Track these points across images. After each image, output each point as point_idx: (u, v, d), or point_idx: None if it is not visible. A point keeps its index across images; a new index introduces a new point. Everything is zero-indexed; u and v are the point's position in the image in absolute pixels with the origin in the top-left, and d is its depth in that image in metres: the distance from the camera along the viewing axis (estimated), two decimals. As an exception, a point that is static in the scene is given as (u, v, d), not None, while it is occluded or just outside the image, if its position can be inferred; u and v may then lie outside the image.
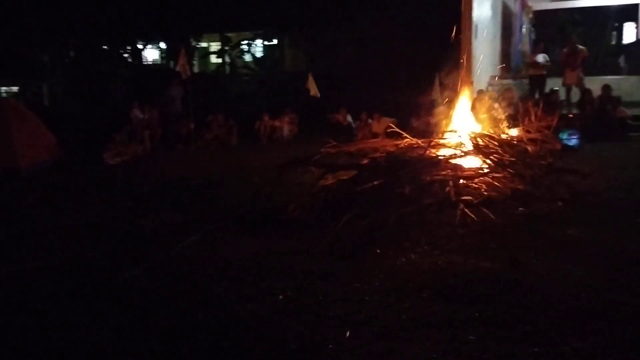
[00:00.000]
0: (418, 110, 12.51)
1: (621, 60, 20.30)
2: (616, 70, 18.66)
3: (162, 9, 20.40)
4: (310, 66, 21.93)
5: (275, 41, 27.23)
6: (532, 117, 8.31)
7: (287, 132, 13.52)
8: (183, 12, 20.90)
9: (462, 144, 6.90)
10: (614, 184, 6.81)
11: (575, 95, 12.73)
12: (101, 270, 4.54)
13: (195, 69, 24.33)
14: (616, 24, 28.42)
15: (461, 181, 6.20)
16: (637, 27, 23.05)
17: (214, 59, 28.10)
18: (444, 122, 8.82)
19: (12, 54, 20.06)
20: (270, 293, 3.88)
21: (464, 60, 13.05)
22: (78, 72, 20.05)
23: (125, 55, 23.30)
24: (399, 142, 7.18)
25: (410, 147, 7.03)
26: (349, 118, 13.39)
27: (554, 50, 18.37)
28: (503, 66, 17.22)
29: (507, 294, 3.71)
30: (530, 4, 18.78)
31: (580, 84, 12.70)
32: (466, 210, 5.45)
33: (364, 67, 18.36)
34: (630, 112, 11.46)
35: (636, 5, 21.55)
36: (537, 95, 12.70)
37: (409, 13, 17.51)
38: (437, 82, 12.57)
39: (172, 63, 23.05)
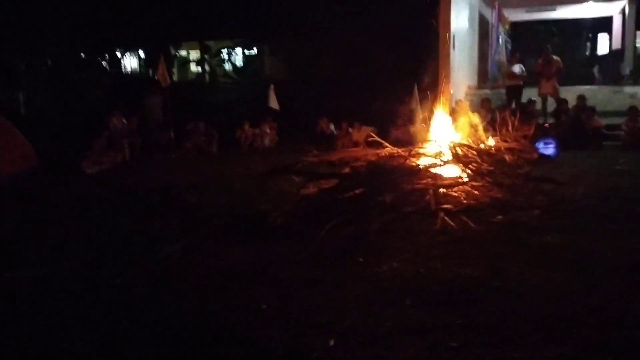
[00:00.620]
0: (397, 120, 12.64)
1: (595, 70, 20.76)
2: (590, 81, 19.07)
3: (141, 17, 20.29)
4: (290, 75, 22.06)
5: (255, 50, 27.27)
6: (510, 127, 8.47)
7: (268, 140, 13.51)
8: (162, 20, 20.82)
9: (441, 153, 6.99)
10: (590, 192, 6.96)
11: (551, 105, 12.97)
12: (83, 281, 4.49)
13: (175, 78, 24.24)
14: (590, 35, 29.10)
15: (441, 190, 6.29)
16: (610, 39, 23.63)
17: (193, 67, 28.04)
18: (423, 131, 8.93)
19: (-12, 61, 19.77)
20: (254, 301, 3.89)
21: (442, 70, 13.27)
22: (56, 80, 19.80)
23: (104, 63, 23.10)
24: (380, 151, 7.25)
25: (391, 156, 7.10)
26: (332, 127, 13.45)
27: (530, 60, 18.72)
28: (480, 76, 17.53)
29: (488, 300, 3.77)
30: (507, 15, 19.11)
31: (555, 94, 12.95)
32: (446, 218, 5.53)
33: (344, 76, 18.47)
34: (604, 121, 11.71)
35: (610, 17, 22.12)
36: (513, 105, 12.91)
37: (388, 23, 17.69)
38: (415, 91, 12.70)
39: (151, 71, 22.95)
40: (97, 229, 6.17)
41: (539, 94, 13.18)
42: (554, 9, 20.55)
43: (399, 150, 7.20)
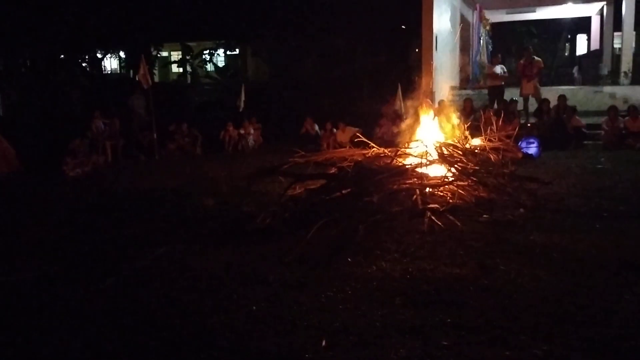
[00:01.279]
0: (381, 120, 12.69)
1: (575, 70, 21.05)
2: (570, 81, 19.34)
3: (121, 17, 20.09)
4: (273, 75, 22.03)
5: (237, 51, 27.19)
6: (493, 127, 8.55)
7: (252, 141, 13.47)
8: (143, 20, 20.64)
9: (427, 153, 7.03)
10: (573, 191, 7.06)
11: (532, 105, 13.12)
12: (67, 285, 4.42)
13: (156, 79, 24.06)
14: (569, 36, 29.52)
15: (427, 189, 6.32)
16: (588, 39, 23.99)
17: (175, 68, 27.85)
18: (408, 131, 8.97)
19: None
20: (243, 304, 3.87)
21: (425, 70, 13.35)
22: (35, 81, 19.50)
23: (84, 64, 22.82)
24: (366, 151, 7.26)
25: (377, 156, 7.11)
26: (316, 127, 13.46)
27: (511, 61, 18.93)
28: (462, 77, 17.67)
29: (477, 299, 3.80)
30: (487, 16, 19.30)
31: (536, 94, 13.09)
32: (433, 218, 5.55)
33: (327, 77, 18.49)
34: (584, 121, 11.87)
35: (588, 17, 22.45)
36: (496, 105, 13.03)
37: (371, 24, 17.76)
38: (399, 92, 12.77)
39: (132, 72, 22.74)
40: (80, 232, 6.09)
41: (521, 95, 13.32)
42: (534, 11, 20.80)
43: (385, 151, 7.21)
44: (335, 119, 12.89)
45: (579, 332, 3.27)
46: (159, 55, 26.10)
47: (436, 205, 5.91)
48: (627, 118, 11.30)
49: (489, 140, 7.89)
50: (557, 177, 7.84)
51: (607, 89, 15.34)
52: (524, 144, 9.84)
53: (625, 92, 14.82)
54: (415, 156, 6.99)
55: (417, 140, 7.50)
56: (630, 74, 16.08)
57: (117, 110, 13.51)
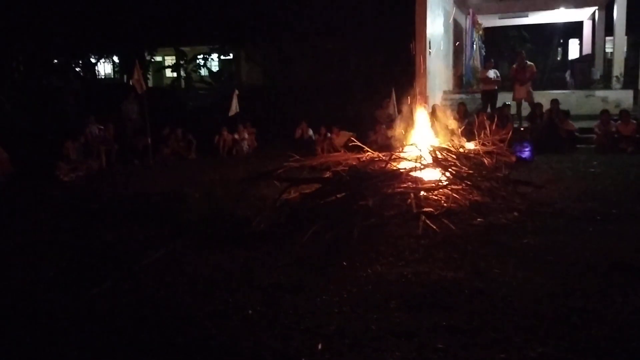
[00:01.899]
0: (375, 124, 12.72)
1: (567, 75, 21.18)
2: (563, 85, 19.46)
3: (115, 22, 20.06)
4: (267, 80, 22.04)
5: (231, 55, 27.17)
6: (487, 131, 8.60)
7: (246, 146, 13.47)
8: (137, 25, 20.61)
9: (421, 157, 7.06)
10: (566, 194, 7.10)
11: (525, 109, 13.20)
12: (62, 290, 4.42)
13: (150, 83, 24.02)
14: (561, 41, 29.71)
15: (422, 193, 6.34)
16: (580, 44, 24.16)
17: (169, 73, 27.79)
18: (402, 135, 9.01)
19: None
20: (239, 307, 3.87)
21: (419, 74, 13.40)
22: (28, 85, 19.43)
23: (78, 69, 22.76)
24: (361, 155, 7.29)
25: (372, 160, 7.14)
26: (310, 132, 13.47)
27: (503, 64, 19.03)
28: (456, 81, 17.76)
29: (471, 302, 3.82)
30: (480, 21, 19.42)
31: (529, 99, 13.17)
32: (428, 221, 5.58)
33: (321, 81, 18.53)
34: (577, 125, 11.96)
35: (580, 22, 22.62)
36: (489, 110, 13.10)
37: (365, 28, 17.82)
38: (393, 96, 12.81)
39: (125, 77, 22.69)
40: (75, 237, 6.07)
41: (514, 99, 13.40)
42: (526, 15, 20.94)
43: (380, 155, 7.24)
44: (330, 124, 12.92)
45: (573, 334, 3.30)
46: (152, 60, 26.02)
47: (431, 209, 5.94)
48: (619, 122, 11.40)
49: (483, 144, 7.93)
50: (550, 180, 7.90)
51: (599, 93, 15.47)
52: (517, 148, 9.89)
53: (617, 96, 14.95)
54: (410, 160, 7.02)
55: (411, 144, 7.54)
56: (622, 78, 16.21)
57: (111, 115, 13.49)
